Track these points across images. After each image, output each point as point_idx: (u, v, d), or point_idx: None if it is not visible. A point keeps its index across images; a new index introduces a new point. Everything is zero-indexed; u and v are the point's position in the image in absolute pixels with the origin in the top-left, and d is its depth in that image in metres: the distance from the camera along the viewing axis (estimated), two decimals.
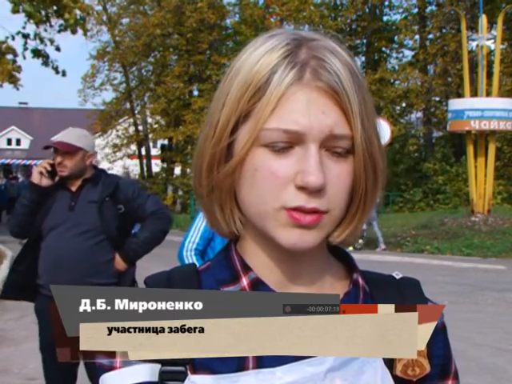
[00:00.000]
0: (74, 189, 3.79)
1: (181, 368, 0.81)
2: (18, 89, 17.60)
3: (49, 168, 3.77)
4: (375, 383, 0.83)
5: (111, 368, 0.83)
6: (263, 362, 0.81)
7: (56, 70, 17.35)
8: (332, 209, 0.81)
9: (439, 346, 0.91)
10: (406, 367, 0.86)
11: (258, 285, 0.87)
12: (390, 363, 0.85)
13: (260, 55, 0.81)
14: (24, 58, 17.22)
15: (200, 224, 4.15)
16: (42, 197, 3.78)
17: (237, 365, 0.81)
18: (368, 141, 0.82)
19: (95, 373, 0.86)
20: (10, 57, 17.06)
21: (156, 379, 0.82)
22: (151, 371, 0.82)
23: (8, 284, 3.83)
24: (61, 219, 3.72)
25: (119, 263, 3.76)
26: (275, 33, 0.85)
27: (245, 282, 0.87)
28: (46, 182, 3.78)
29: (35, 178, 3.78)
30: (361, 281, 0.91)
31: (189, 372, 0.82)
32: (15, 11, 15.43)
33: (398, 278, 0.93)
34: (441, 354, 0.91)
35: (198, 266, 0.92)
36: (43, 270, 3.71)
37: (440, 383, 0.92)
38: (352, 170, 0.82)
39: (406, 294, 0.89)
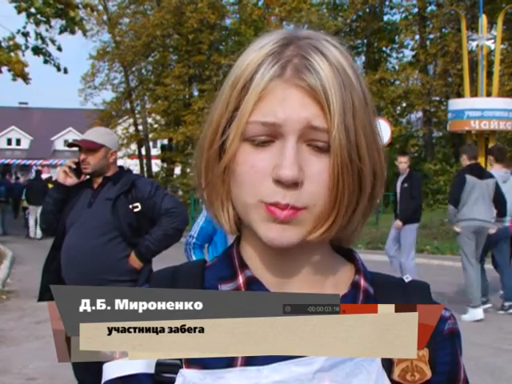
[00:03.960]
0: (95, 186, 3.85)
1: (176, 361, 0.82)
2: (29, 83, 17.65)
3: (73, 166, 3.88)
4: None
5: (112, 358, 0.84)
6: (252, 360, 0.80)
7: (58, 67, 17.33)
8: (311, 205, 0.80)
9: (446, 352, 0.88)
10: (404, 372, 0.84)
11: (252, 283, 0.87)
12: (387, 367, 0.83)
13: (250, 54, 0.83)
14: (23, 55, 17.23)
15: (200, 220, 4.41)
16: (66, 195, 3.87)
17: (227, 361, 0.81)
18: (348, 140, 0.79)
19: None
20: (18, 52, 17.07)
21: (152, 371, 0.83)
22: (147, 363, 0.83)
23: (44, 284, 3.85)
24: (79, 216, 3.78)
25: (133, 260, 3.77)
26: (271, 33, 0.86)
27: (241, 279, 0.87)
28: (70, 180, 3.89)
29: (60, 177, 3.90)
30: (363, 283, 0.90)
31: (184, 365, 0.83)
32: (22, 9, 15.35)
33: (407, 281, 0.91)
34: (447, 360, 0.89)
35: (206, 260, 0.94)
36: (62, 266, 3.76)
37: None
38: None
39: (414, 298, 0.87)
